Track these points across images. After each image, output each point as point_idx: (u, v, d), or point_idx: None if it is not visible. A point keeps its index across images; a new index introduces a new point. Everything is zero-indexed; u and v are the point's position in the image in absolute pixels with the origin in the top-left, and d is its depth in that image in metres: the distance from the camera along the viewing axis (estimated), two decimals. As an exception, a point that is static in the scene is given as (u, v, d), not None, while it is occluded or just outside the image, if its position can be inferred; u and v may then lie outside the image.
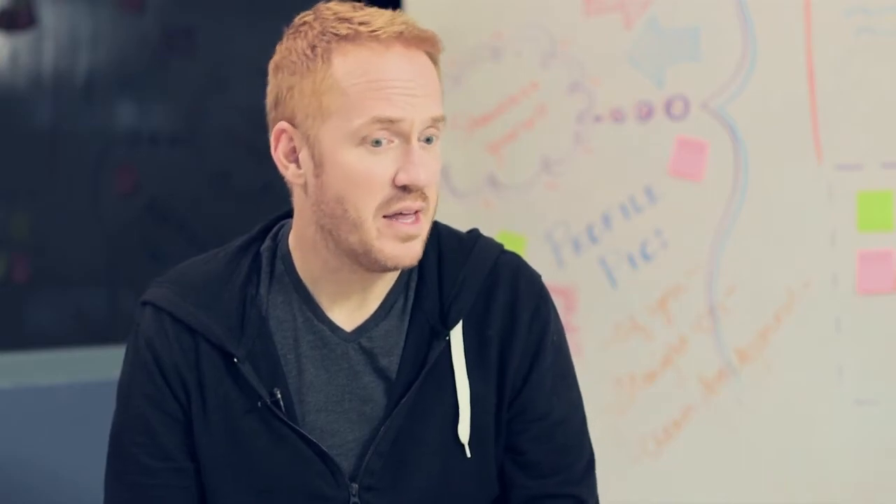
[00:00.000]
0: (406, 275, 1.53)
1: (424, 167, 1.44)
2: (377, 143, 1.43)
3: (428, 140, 1.46)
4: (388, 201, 1.44)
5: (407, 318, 1.52)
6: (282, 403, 1.49)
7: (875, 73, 2.22)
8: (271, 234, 1.57)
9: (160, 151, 3.15)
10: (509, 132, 2.56)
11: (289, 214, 1.58)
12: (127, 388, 1.55)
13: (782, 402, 2.29)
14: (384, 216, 1.44)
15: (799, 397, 2.28)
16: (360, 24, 1.45)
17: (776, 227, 2.30)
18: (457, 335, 1.52)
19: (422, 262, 1.51)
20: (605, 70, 2.46)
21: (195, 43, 3.17)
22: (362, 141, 1.43)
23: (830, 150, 2.26)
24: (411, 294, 1.53)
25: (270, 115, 1.50)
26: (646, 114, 2.42)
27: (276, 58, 1.51)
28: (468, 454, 1.51)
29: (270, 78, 1.51)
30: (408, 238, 1.45)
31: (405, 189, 1.43)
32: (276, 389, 1.49)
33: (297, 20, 1.51)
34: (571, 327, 2.43)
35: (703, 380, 2.36)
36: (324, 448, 1.49)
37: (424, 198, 1.45)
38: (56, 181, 3.00)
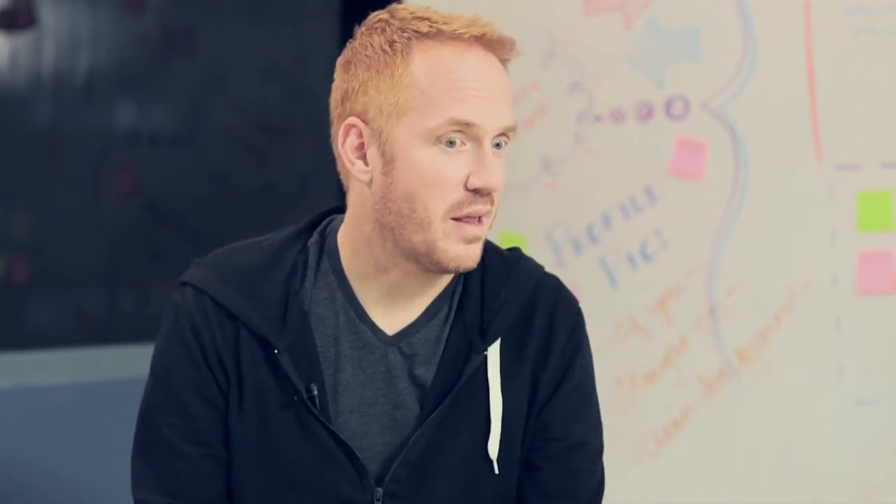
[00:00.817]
0: (452, 285, 1.53)
1: (496, 172, 1.44)
2: (451, 143, 1.43)
3: (497, 146, 1.47)
4: (459, 204, 1.44)
5: (448, 328, 1.52)
6: (317, 400, 1.48)
7: (875, 73, 2.22)
8: (319, 230, 1.55)
9: (160, 151, 3.15)
10: (509, 132, 2.56)
11: (336, 210, 1.57)
12: (165, 367, 1.51)
13: (782, 402, 2.29)
14: (452, 218, 1.44)
15: (799, 397, 2.28)
16: (442, 23, 1.45)
17: (776, 227, 2.30)
18: (494, 351, 1.51)
19: (467, 275, 1.51)
20: (605, 70, 2.46)
21: (195, 43, 3.17)
22: (437, 140, 1.43)
23: (830, 150, 2.26)
24: (454, 305, 1.53)
25: (336, 110, 1.49)
26: (646, 114, 2.42)
27: (346, 54, 1.49)
28: (496, 470, 1.51)
29: (339, 74, 1.49)
30: (472, 240, 1.46)
31: (476, 192, 1.44)
32: (312, 385, 1.48)
33: (373, 17, 1.49)
34: (571, 327, 2.43)
35: (703, 380, 2.36)
36: (354, 450, 1.48)
37: (491, 202, 1.46)
38: (56, 181, 3.00)
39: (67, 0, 3.03)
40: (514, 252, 1.60)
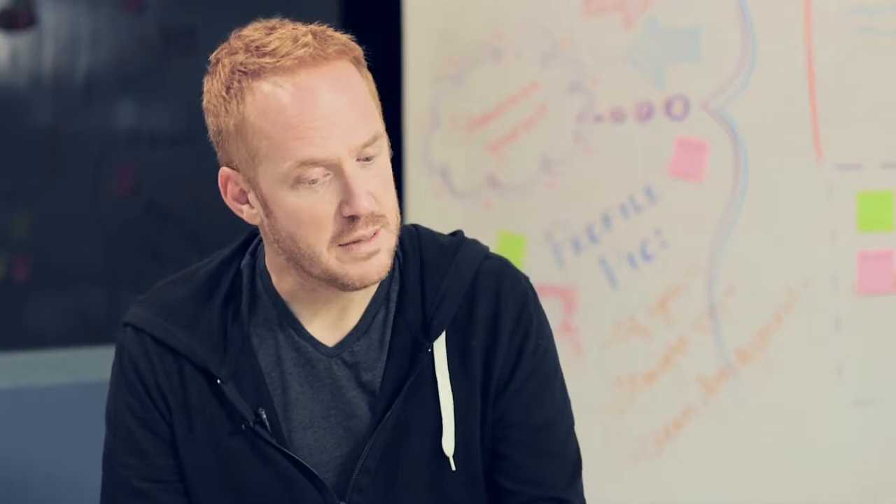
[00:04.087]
0: (386, 285, 1.51)
1: (367, 193, 1.39)
2: (313, 181, 1.39)
3: (367, 159, 1.41)
4: (340, 233, 1.41)
5: (389, 330, 1.50)
6: (267, 424, 1.47)
7: (875, 73, 2.22)
8: (250, 250, 1.54)
9: (160, 151, 3.15)
10: (509, 132, 2.56)
11: None
12: (115, 411, 1.54)
13: (782, 402, 2.29)
14: (340, 244, 1.41)
15: (799, 397, 2.28)
16: (265, 54, 1.39)
17: (776, 227, 2.30)
18: (440, 347, 1.49)
19: (403, 271, 1.49)
20: (605, 70, 2.46)
21: (195, 43, 3.17)
22: (296, 181, 1.39)
23: (830, 150, 2.25)
24: (392, 305, 1.51)
25: (218, 155, 1.48)
26: (646, 114, 2.42)
27: (203, 100, 1.48)
28: (452, 467, 1.49)
29: (206, 120, 1.48)
30: (369, 255, 1.42)
31: (353, 219, 1.40)
32: (261, 410, 1.47)
33: (212, 57, 1.46)
34: (571, 327, 2.43)
35: (703, 380, 2.36)
36: (310, 468, 1.47)
37: (377, 218, 1.41)
38: (56, 181, 3.00)
39: (67, 0, 3.02)
40: (455, 238, 1.56)
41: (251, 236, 1.56)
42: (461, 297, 1.50)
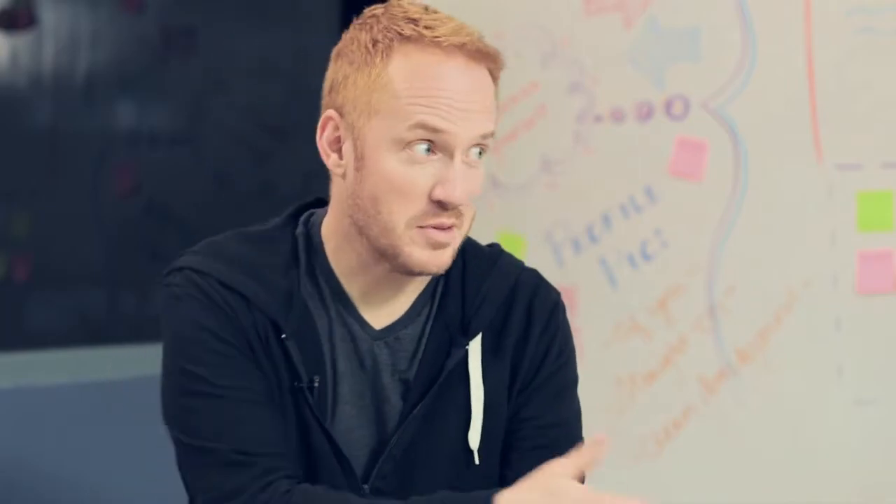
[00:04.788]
0: (434, 282, 1.53)
1: (463, 185, 1.42)
2: (424, 150, 1.41)
3: (479, 152, 1.44)
4: (423, 214, 1.42)
5: (430, 324, 1.52)
6: (316, 392, 1.47)
7: (875, 73, 2.22)
8: (303, 221, 1.54)
9: (160, 151, 3.15)
10: (509, 132, 2.56)
11: (317, 204, 1.56)
12: (190, 339, 1.45)
13: (782, 402, 2.29)
14: (417, 226, 1.42)
15: (799, 397, 2.28)
16: (426, 27, 1.43)
17: (776, 227, 2.30)
18: (475, 345, 1.52)
19: (448, 272, 1.50)
20: (605, 70, 2.46)
21: (195, 43, 3.17)
22: (405, 146, 1.41)
23: (830, 150, 2.26)
24: (436, 302, 1.53)
25: (324, 100, 1.48)
26: (646, 114, 2.42)
27: (339, 45, 1.49)
28: (476, 461, 1.51)
29: (330, 64, 1.48)
30: (438, 246, 1.44)
31: (440, 205, 1.42)
32: (315, 377, 1.47)
33: (367, 12, 1.48)
34: (572, 327, 2.43)
35: (703, 380, 2.36)
36: (343, 449, 1.48)
37: (459, 215, 1.44)
38: (56, 181, 3.00)
39: (67, 0, 3.02)
40: (494, 248, 1.59)
41: (299, 209, 1.56)
42: (500, 301, 1.54)
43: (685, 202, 2.38)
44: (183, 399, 1.45)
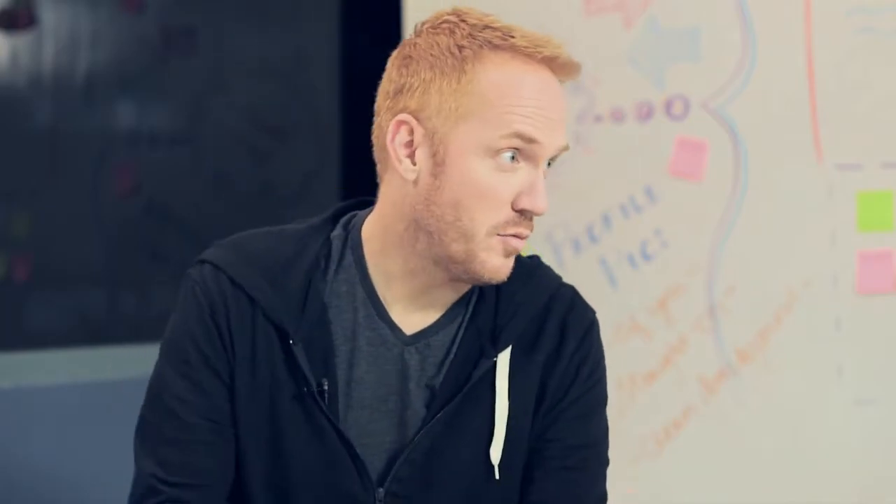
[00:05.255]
0: (470, 290, 1.52)
1: (545, 196, 1.44)
2: (511, 158, 1.42)
3: (548, 164, 1.46)
4: (505, 223, 1.43)
5: (461, 332, 1.51)
6: (327, 395, 1.46)
7: (875, 73, 2.22)
8: (342, 222, 1.53)
9: (160, 151, 3.15)
10: (509, 132, 2.56)
11: (361, 205, 1.56)
12: (177, 344, 1.49)
13: (782, 402, 2.29)
14: (499, 234, 1.43)
15: (799, 397, 2.28)
16: (516, 37, 1.45)
17: (776, 227, 2.30)
18: (504, 357, 1.50)
19: None
20: (605, 70, 2.46)
21: (195, 43, 3.17)
22: (494, 154, 1.42)
23: (830, 150, 2.26)
24: (470, 310, 1.52)
25: (385, 102, 1.46)
26: (646, 114, 2.42)
27: (406, 50, 1.47)
28: (497, 476, 1.50)
29: (395, 68, 1.47)
30: (512, 253, 1.45)
31: (522, 213, 1.43)
32: (324, 380, 1.46)
33: (438, 17, 1.48)
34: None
35: (703, 380, 2.36)
36: (357, 451, 1.47)
37: (532, 226, 1.46)
38: (56, 181, 3.00)
39: (67, 0, 3.02)
40: (533, 259, 1.59)
41: (342, 210, 1.56)
42: (533, 315, 1.53)
43: (685, 202, 2.38)
44: (147, 401, 1.50)
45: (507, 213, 1.43)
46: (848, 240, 2.24)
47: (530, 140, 1.42)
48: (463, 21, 1.46)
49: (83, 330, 3.03)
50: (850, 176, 2.24)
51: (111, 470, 2.76)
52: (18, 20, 2.95)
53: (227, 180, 3.26)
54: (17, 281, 2.96)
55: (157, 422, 1.49)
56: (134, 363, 2.75)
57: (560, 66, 1.46)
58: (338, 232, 1.52)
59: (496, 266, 1.44)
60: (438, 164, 1.43)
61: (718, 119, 2.35)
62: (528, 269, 1.55)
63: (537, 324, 1.53)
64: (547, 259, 2.48)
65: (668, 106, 2.40)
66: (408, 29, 2.72)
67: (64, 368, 2.86)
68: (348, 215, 1.55)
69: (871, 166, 2.23)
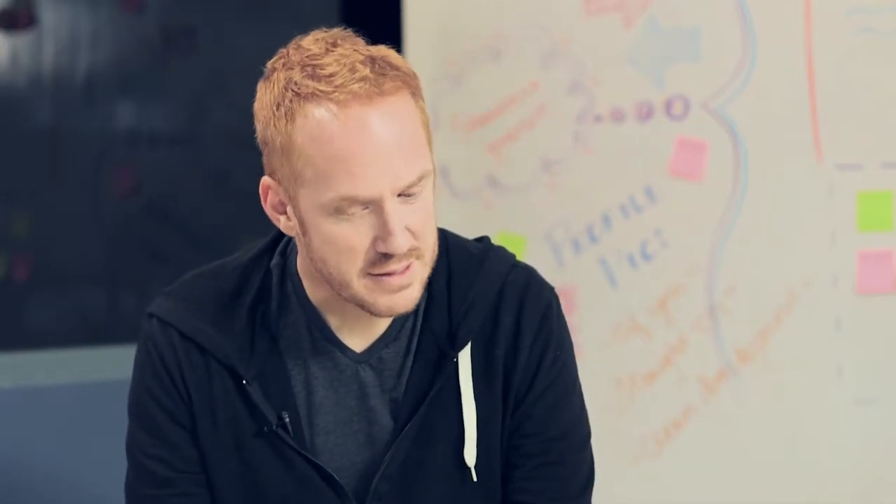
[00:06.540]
0: None
1: (404, 231, 1.37)
2: (351, 213, 1.37)
3: (410, 195, 1.38)
4: (372, 265, 1.39)
5: (416, 338, 1.49)
6: (290, 427, 1.46)
7: (875, 73, 2.22)
8: (279, 250, 1.53)
9: (160, 151, 3.15)
10: (509, 132, 2.56)
11: None
12: (139, 403, 1.52)
13: (782, 402, 2.29)
14: (370, 274, 1.39)
15: (799, 397, 2.28)
16: (320, 79, 1.35)
17: (776, 227, 2.30)
18: (465, 356, 1.48)
19: (431, 279, 1.46)
20: (605, 70, 2.46)
21: (195, 43, 3.17)
22: (336, 211, 1.37)
23: (830, 150, 2.25)
24: (420, 314, 1.49)
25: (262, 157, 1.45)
26: (646, 114, 2.42)
27: (255, 104, 1.45)
28: (474, 478, 1.49)
29: (255, 124, 1.45)
30: (400, 288, 1.41)
31: (386, 255, 1.38)
32: (284, 413, 1.46)
33: (269, 65, 1.43)
34: (571, 327, 2.42)
35: (703, 380, 2.36)
36: (331, 472, 1.47)
37: (412, 251, 1.39)
38: (56, 181, 3.00)
39: (67, 0, 3.02)
40: (482, 245, 1.54)
41: (281, 234, 1.54)
42: (487, 308, 1.49)
43: (685, 202, 2.38)
44: (128, 459, 1.54)
45: (371, 256, 1.38)
46: (848, 240, 2.24)
47: (356, 201, 1.35)
48: (284, 66, 1.39)
49: (83, 330, 3.03)
50: (850, 176, 2.24)
51: (111, 470, 2.76)
52: (18, 20, 2.95)
53: (227, 180, 3.26)
54: (17, 281, 2.96)
55: (137, 479, 1.52)
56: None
57: (375, 95, 1.34)
58: (276, 261, 1.51)
59: (388, 304, 1.41)
60: (301, 223, 1.41)
61: (718, 119, 2.35)
62: (479, 258, 1.51)
63: (493, 316, 1.49)
64: (547, 259, 2.48)
65: (668, 106, 2.40)
66: (408, 29, 2.72)
67: (64, 368, 2.85)
68: (285, 239, 1.53)
69: (871, 166, 2.23)
